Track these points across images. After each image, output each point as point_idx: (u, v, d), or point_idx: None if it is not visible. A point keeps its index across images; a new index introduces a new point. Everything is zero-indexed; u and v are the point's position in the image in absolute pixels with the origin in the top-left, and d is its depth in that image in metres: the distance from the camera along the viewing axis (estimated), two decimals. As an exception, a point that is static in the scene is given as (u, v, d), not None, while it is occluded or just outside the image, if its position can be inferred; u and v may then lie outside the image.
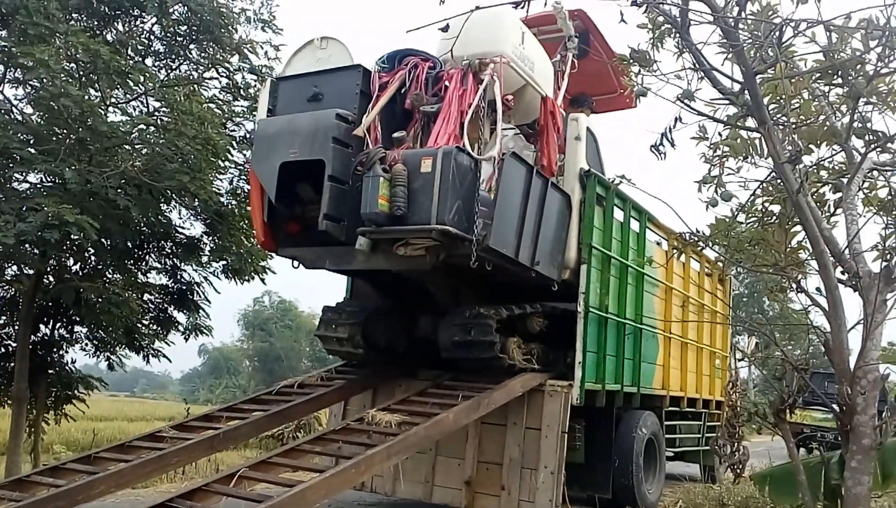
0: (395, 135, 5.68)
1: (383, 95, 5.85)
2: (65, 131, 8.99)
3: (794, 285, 4.55)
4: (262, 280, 12.16)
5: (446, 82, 5.86)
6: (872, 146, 4.08)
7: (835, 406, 4.02)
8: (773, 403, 4.34)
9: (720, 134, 4.24)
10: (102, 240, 9.32)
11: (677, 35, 3.38)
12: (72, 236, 8.58)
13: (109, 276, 11.16)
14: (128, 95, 10.43)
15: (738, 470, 8.74)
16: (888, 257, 4.09)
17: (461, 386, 6.27)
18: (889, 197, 4.43)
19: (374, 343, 6.82)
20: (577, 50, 7.23)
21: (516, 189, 6.01)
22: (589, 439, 7.22)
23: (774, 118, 3.92)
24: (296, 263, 6.48)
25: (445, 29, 2.99)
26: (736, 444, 8.00)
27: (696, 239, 4.69)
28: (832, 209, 4.74)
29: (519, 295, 6.67)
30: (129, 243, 10.59)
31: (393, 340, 6.97)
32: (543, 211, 6.32)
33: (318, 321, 7.14)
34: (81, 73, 9.10)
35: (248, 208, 11.87)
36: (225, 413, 5.89)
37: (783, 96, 3.89)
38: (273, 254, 8.89)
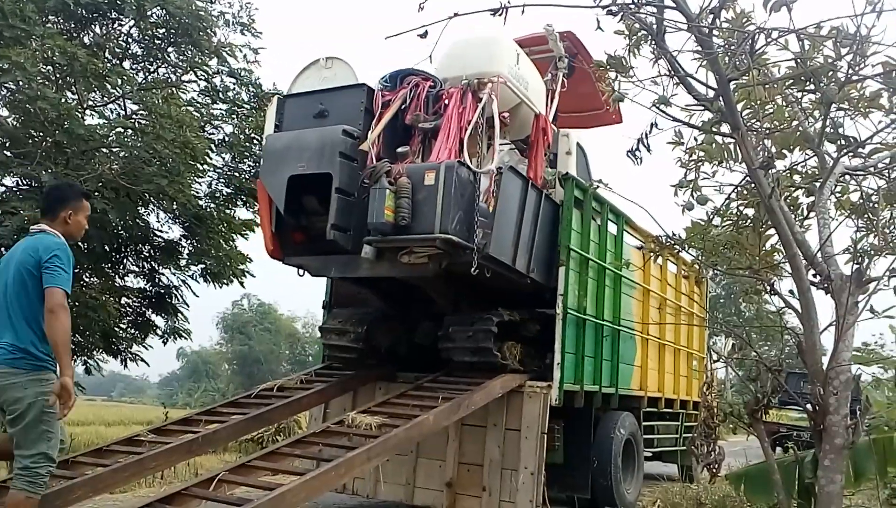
0: (399, 150, 6.01)
1: (387, 113, 6.15)
2: (41, 134, 8.92)
3: (767, 288, 4.63)
4: (241, 283, 12.13)
5: (446, 101, 6.16)
6: (844, 151, 4.17)
7: (808, 406, 4.10)
8: (748, 403, 4.41)
9: (695, 139, 4.31)
10: (79, 244, 9.24)
11: (653, 42, 3.44)
12: (48, 240, 8.50)
13: (86, 280, 11.06)
14: (105, 98, 10.37)
15: (714, 470, 8.83)
16: (859, 259, 4.17)
17: (441, 388, 6.30)
18: (861, 201, 4.52)
19: (376, 347, 7.06)
20: (567, 69, 7.54)
21: (513, 201, 6.34)
22: (568, 440, 7.29)
23: (748, 124, 4.00)
24: (301, 271, 6.68)
25: (424, 35, 3.02)
26: (712, 444, 8.09)
27: (673, 242, 4.76)
28: (805, 213, 4.83)
29: (514, 301, 6.79)
30: (106, 247, 10.51)
31: (395, 344, 7.20)
32: (538, 221, 6.62)
33: (320, 323, 7.42)
34: (58, 75, 9.05)
35: (227, 211, 11.91)
36: (204, 417, 5.85)
37: (757, 102, 3.97)
38: (250, 260, 8.81)
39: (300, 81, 6.73)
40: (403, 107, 6.26)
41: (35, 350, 3.85)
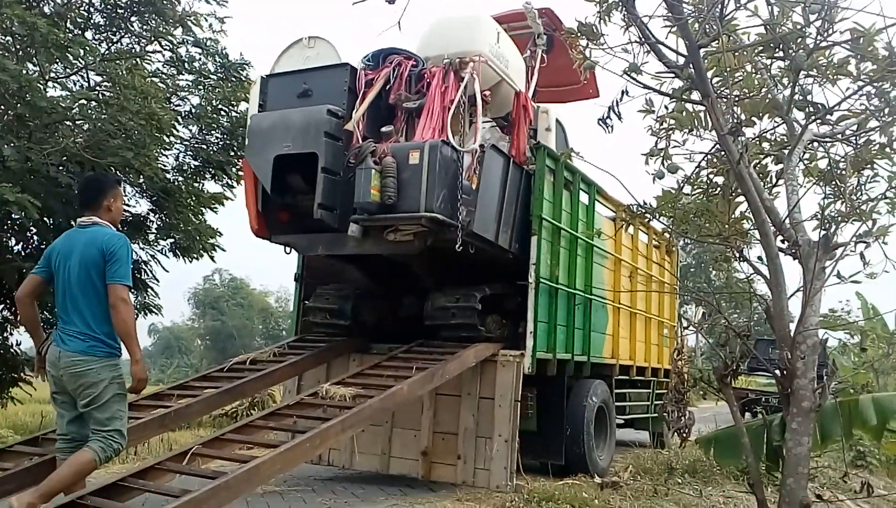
0: (384, 129, 6.23)
1: (370, 92, 6.27)
2: (2, 107, 8.68)
3: (737, 255, 4.68)
4: (212, 258, 12.00)
5: (429, 80, 6.28)
6: (813, 118, 4.20)
7: (777, 371, 4.17)
8: (717, 369, 4.47)
9: (666, 107, 4.32)
10: (45, 219, 9.06)
11: (623, 9, 3.42)
12: (13, 216, 8.33)
13: (53, 256, 10.86)
14: (67, 70, 10.10)
15: (685, 435, 9.01)
16: (827, 226, 4.22)
17: (415, 358, 6.34)
18: (829, 168, 4.57)
19: (363, 322, 7.20)
20: (546, 46, 7.72)
21: (495, 178, 6.52)
22: (541, 407, 7.38)
23: (718, 91, 4.00)
24: (288, 248, 6.86)
25: (392, 1, 2.97)
26: (682, 409, 8.24)
27: (643, 211, 4.78)
28: (774, 180, 4.86)
29: (496, 275, 6.93)
30: (72, 222, 10.31)
31: (380, 318, 7.34)
32: (519, 197, 6.78)
33: (312, 297, 7.50)
34: (18, 46, 8.78)
35: (196, 185, 11.74)
36: (176, 392, 5.81)
37: (727, 70, 3.97)
38: (220, 234, 8.75)
39: (283, 61, 6.76)
40: (387, 86, 6.36)
41: (107, 338, 4.13)
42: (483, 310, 6.77)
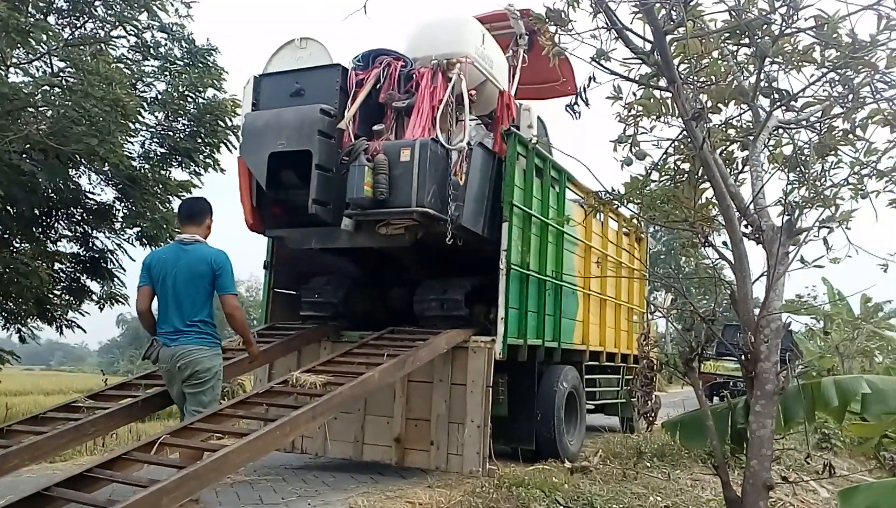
0: (375, 128, 6.47)
1: (361, 91, 6.51)
2: (-40, 93, 8.48)
3: (702, 240, 4.73)
4: (181, 247, 11.85)
5: (417, 80, 6.56)
6: (778, 105, 4.25)
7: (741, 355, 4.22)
8: (683, 353, 4.53)
9: (634, 94, 4.34)
10: (8, 208, 8.90)
11: (591, -6, 3.42)
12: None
13: (17, 245, 10.67)
14: (30, 55, 9.91)
15: (651, 419, 9.14)
16: (790, 211, 4.28)
17: (386, 345, 6.34)
18: (793, 154, 4.63)
19: (352, 311, 7.37)
20: (527, 46, 7.95)
21: (482, 173, 6.79)
22: (512, 393, 7.43)
23: (685, 78, 4.03)
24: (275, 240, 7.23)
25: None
26: (649, 393, 8.36)
27: (612, 197, 4.81)
28: (740, 167, 4.92)
29: (482, 265, 7.02)
30: (36, 211, 10.16)
31: (370, 309, 7.52)
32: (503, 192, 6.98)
33: (303, 289, 7.72)
34: (-23, 30, 8.56)
35: (162, 172, 11.60)
36: (143, 381, 5.73)
37: (693, 56, 4.00)
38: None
39: (275, 61, 7.00)
40: (377, 86, 6.61)
41: (214, 332, 5.06)
42: (470, 300, 6.99)
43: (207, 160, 11.86)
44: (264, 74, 6.93)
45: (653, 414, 8.57)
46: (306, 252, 7.13)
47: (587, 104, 3.92)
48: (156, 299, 5.09)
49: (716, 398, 15.12)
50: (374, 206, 6.09)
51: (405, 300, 7.40)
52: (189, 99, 11.43)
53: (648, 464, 7.16)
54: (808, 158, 4.44)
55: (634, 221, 9.64)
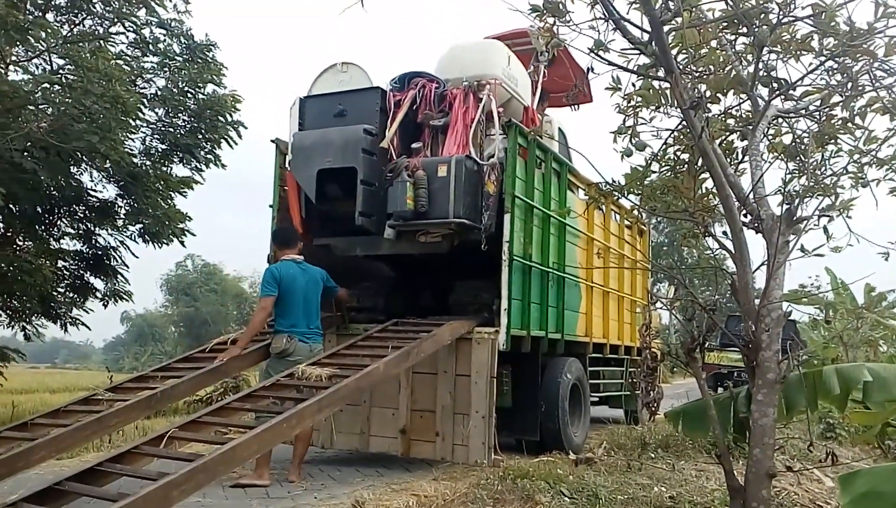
0: (414, 145, 7.15)
1: (399, 112, 7.11)
2: (-39, 92, 8.50)
3: (703, 230, 4.74)
4: (182, 243, 11.90)
5: (451, 100, 7.15)
6: (776, 94, 4.25)
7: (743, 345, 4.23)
8: (685, 344, 4.53)
9: (633, 85, 4.34)
10: (10, 206, 8.94)
11: (589, -15, 3.43)
12: (-24, 203, 8.18)
13: (20, 243, 10.71)
14: (29, 53, 9.92)
15: (654, 409, 9.16)
16: (790, 200, 4.28)
17: (391, 337, 6.38)
18: (792, 143, 4.63)
19: (392, 313, 7.60)
20: (547, 62, 8.51)
21: None
22: (516, 385, 7.47)
23: (684, 68, 4.04)
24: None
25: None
26: (652, 384, 8.37)
27: (612, 189, 4.82)
28: (740, 157, 4.92)
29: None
30: (38, 208, 10.19)
31: (404, 309, 7.77)
32: None
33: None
34: (-24, 29, 8.57)
35: (164, 169, 11.62)
36: (160, 374, 5.84)
37: (692, 46, 4.00)
38: (189, 218, 8.85)
39: (318, 84, 7.60)
40: (413, 106, 7.18)
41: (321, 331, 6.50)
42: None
43: (208, 156, 11.89)
44: (309, 96, 7.49)
45: (655, 405, 8.58)
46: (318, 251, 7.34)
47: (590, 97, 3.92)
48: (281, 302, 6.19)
49: (720, 389, 15.14)
50: (416, 217, 6.65)
51: (437, 300, 7.90)
52: (189, 95, 11.44)
53: (653, 455, 7.17)
54: (807, 147, 4.45)
55: (636, 212, 9.67)
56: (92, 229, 11.45)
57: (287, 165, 7.49)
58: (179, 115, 11.50)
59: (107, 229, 11.45)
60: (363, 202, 6.74)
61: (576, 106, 3.99)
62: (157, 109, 11.37)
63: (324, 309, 6.82)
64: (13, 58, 9.82)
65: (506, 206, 6.85)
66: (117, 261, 11.71)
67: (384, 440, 7.08)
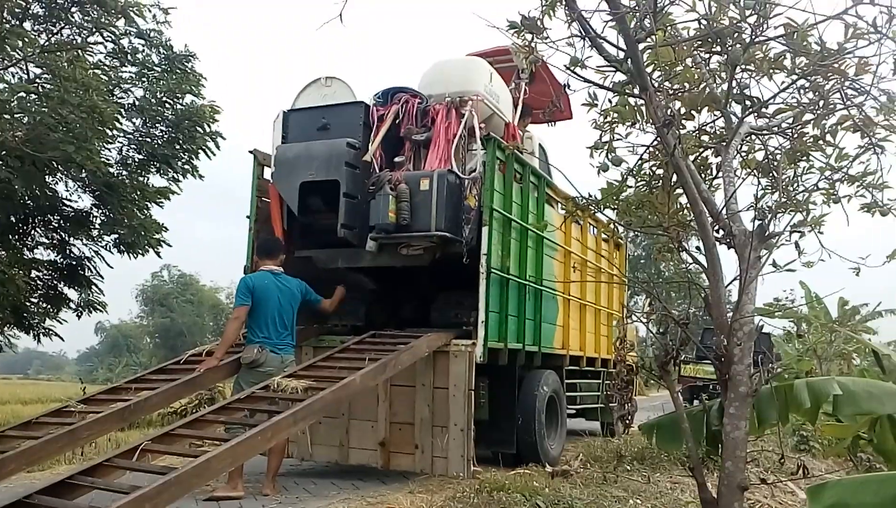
0: (396, 159, 7.18)
1: (382, 126, 7.17)
2: (-66, 100, 8.40)
3: (676, 245, 4.79)
4: (158, 253, 11.81)
5: (433, 116, 7.20)
6: (749, 111, 4.32)
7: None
8: (658, 357, 4.57)
9: (610, 101, 4.39)
10: (-18, 215, 8.80)
11: (565, 2, 3.47)
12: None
13: (-8, 253, 10.56)
14: (5, 61, 9.82)
15: (627, 422, 9.21)
16: (762, 216, 4.34)
17: (368, 349, 6.38)
18: (765, 160, 4.70)
19: (373, 325, 7.63)
20: (528, 79, 8.60)
21: None
22: (493, 397, 7.47)
23: (659, 85, 4.09)
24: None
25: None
26: (626, 397, 8.42)
27: (588, 203, 4.86)
28: (714, 173, 4.98)
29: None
30: (12, 218, 10.08)
31: (385, 321, 7.87)
32: None
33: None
34: (-49, 36, 8.50)
35: (140, 179, 11.54)
36: (133, 385, 5.79)
37: (666, 64, 4.06)
38: (165, 229, 8.73)
39: (302, 98, 7.66)
40: (396, 120, 7.25)
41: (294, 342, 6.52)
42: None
43: (186, 166, 11.82)
44: (293, 110, 7.52)
45: (630, 417, 8.63)
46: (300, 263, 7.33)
47: (561, 111, 3.96)
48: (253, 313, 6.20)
49: (695, 402, 15.25)
50: (398, 230, 6.69)
51: (418, 312, 7.87)
52: (167, 105, 11.39)
53: (629, 467, 7.20)
54: (779, 164, 4.51)
55: (611, 226, 9.76)
56: (66, 238, 11.34)
57: (268, 177, 7.48)
58: (157, 125, 11.44)
59: (82, 239, 11.35)
60: (345, 215, 6.78)
61: (552, 123, 4.06)
62: (134, 119, 11.31)
63: (303, 321, 6.79)
64: (-11, 66, 9.72)
65: (484, 219, 6.89)
66: (92, 271, 11.60)
67: (364, 453, 7.06)
